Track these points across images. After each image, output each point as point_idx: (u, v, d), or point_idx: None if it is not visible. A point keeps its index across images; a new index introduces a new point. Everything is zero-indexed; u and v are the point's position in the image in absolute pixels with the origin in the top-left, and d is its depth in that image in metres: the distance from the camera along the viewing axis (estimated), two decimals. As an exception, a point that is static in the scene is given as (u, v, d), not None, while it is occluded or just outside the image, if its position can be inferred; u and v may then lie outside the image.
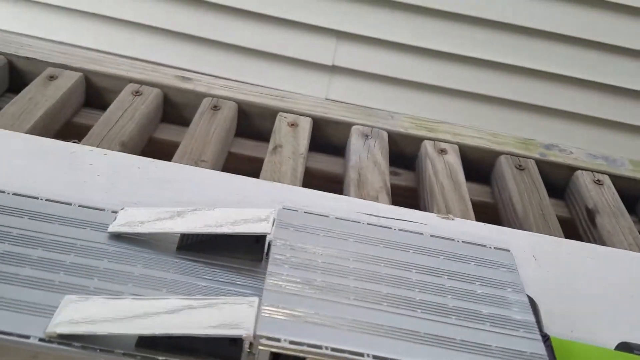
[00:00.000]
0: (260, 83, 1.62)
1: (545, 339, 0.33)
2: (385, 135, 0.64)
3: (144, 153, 0.58)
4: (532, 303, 0.37)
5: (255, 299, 0.28)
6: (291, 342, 0.26)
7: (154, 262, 0.32)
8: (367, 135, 0.63)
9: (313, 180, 0.62)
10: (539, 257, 0.46)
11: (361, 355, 0.27)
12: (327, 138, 0.65)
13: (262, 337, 0.26)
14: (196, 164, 0.52)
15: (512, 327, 0.30)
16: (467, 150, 0.65)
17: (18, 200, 0.33)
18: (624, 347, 0.37)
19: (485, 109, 1.57)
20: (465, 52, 1.47)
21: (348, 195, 0.53)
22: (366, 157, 0.59)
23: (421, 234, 0.36)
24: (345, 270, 0.31)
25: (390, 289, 0.31)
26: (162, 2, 1.47)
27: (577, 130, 1.44)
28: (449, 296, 0.31)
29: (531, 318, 0.30)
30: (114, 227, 0.33)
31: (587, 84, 1.41)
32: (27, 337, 0.27)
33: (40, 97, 0.56)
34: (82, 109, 0.62)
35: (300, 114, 0.64)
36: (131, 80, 0.62)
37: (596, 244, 0.56)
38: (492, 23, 1.48)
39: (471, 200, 0.62)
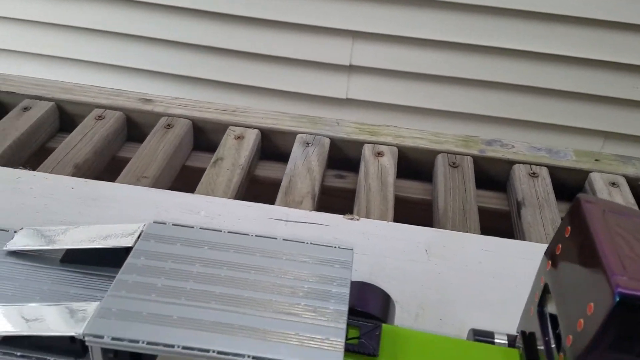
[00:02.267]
0: (284, 88, 1.68)
1: (376, 326, 0.37)
2: (327, 141, 0.68)
3: (104, 172, 0.66)
4: (386, 297, 0.40)
5: (97, 303, 0.34)
6: (113, 339, 0.32)
7: (37, 274, 0.38)
8: (308, 143, 0.67)
9: (258, 187, 0.67)
10: (431, 251, 0.49)
11: (172, 346, 0.32)
12: (276, 147, 0.70)
13: (88, 335, 0.32)
14: (138, 180, 0.59)
15: (323, 316, 0.34)
16: (407, 151, 0.68)
17: None
18: (473, 333, 0.40)
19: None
20: (481, 42, 1.46)
21: (276, 200, 0.58)
22: (301, 164, 0.64)
23: (275, 238, 0.40)
24: (188, 275, 0.36)
25: (224, 289, 0.36)
26: (194, 20, 1.56)
27: None
28: (276, 293, 0.35)
29: (344, 308, 0.34)
30: (8, 246, 0.40)
31: None
32: None
33: (11, 129, 0.64)
34: (57, 134, 0.70)
35: (249, 127, 0.69)
36: (97, 106, 0.70)
37: (519, 235, 0.58)
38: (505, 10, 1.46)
39: (412, 198, 0.66)
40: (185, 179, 0.67)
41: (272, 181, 0.67)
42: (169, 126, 0.68)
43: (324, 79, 1.59)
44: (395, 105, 1.57)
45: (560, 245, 0.34)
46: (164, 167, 0.62)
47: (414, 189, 0.66)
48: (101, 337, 0.32)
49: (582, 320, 0.28)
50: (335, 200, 0.67)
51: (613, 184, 0.62)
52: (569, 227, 0.33)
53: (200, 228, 0.40)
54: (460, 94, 1.53)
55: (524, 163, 0.65)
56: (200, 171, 0.65)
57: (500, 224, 0.64)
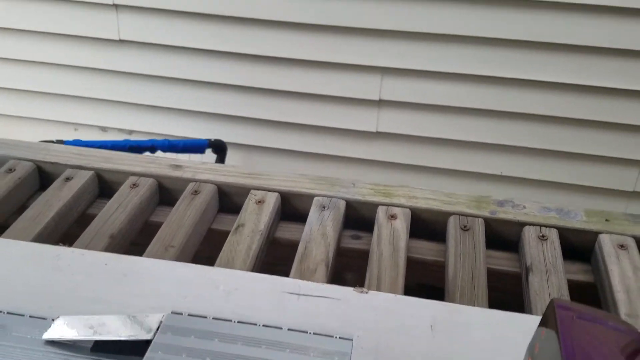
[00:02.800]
0: (317, 123, 1.73)
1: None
2: (343, 204, 0.72)
3: (137, 236, 0.71)
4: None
5: None
6: None
7: None
8: (324, 207, 0.71)
9: (278, 248, 0.72)
10: (437, 327, 0.52)
11: None
12: (295, 209, 0.74)
13: None
14: (166, 250, 0.64)
15: None
16: (421, 213, 0.71)
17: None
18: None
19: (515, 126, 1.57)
20: (503, 74, 1.48)
21: (291, 269, 0.62)
22: (317, 229, 0.68)
23: (280, 328, 0.44)
24: None
25: None
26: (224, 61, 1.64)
27: None
28: None
29: None
30: (45, 335, 0.45)
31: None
32: None
33: (54, 199, 0.70)
34: (96, 199, 0.76)
35: (269, 190, 0.73)
36: (132, 173, 0.75)
37: (527, 303, 0.60)
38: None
39: (425, 259, 0.69)
40: (210, 241, 0.72)
41: (290, 243, 0.70)
42: (195, 192, 0.73)
43: (354, 114, 1.63)
44: (423, 138, 1.59)
45: (537, 344, 0.36)
46: (190, 233, 0.67)
47: (427, 250, 0.69)
48: None
49: None
50: (352, 261, 0.70)
51: (621, 246, 0.64)
52: (544, 330, 0.36)
53: (213, 318, 0.45)
54: (485, 124, 1.54)
55: (534, 225, 0.67)
56: (224, 234, 0.70)
57: (511, 286, 0.66)
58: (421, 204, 0.71)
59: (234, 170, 0.77)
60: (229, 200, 0.75)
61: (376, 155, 1.69)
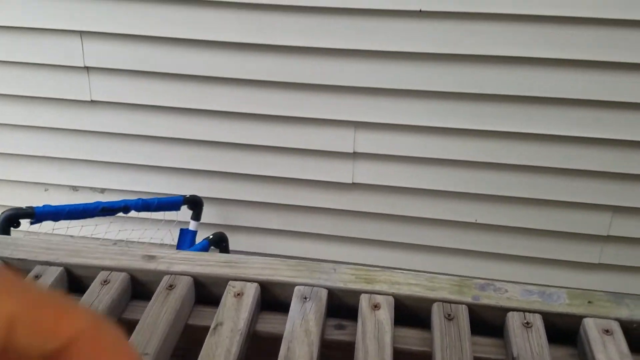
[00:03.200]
0: (294, 176, 1.72)
1: None
2: (325, 293, 0.70)
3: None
4: None
5: None
6: None
7: None
8: (305, 298, 0.69)
9: (261, 343, 0.69)
10: None
11: None
12: (276, 298, 0.72)
13: None
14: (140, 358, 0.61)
15: None
16: (404, 299, 0.69)
17: None
18: None
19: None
20: (469, 126, 1.50)
21: None
22: (299, 324, 0.66)
23: None
24: None
25: None
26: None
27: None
28: None
29: None
30: None
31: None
32: None
33: (22, 303, 0.67)
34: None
35: (248, 280, 0.71)
36: (103, 268, 0.73)
37: (515, 398, 0.59)
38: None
39: (412, 351, 0.67)
40: (187, 337, 0.70)
41: (272, 336, 0.68)
42: (171, 287, 0.70)
43: (330, 166, 1.62)
44: (397, 188, 1.59)
45: None
46: (166, 335, 0.65)
47: (413, 340, 0.67)
48: None
49: None
50: (337, 353, 0.69)
51: (606, 331, 0.63)
52: None
53: None
54: (456, 173, 1.55)
55: (517, 310, 0.66)
56: (202, 330, 0.67)
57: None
58: (404, 290, 0.70)
59: (211, 259, 0.75)
60: (206, 291, 0.73)
61: (353, 205, 1.69)
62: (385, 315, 0.67)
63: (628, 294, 0.69)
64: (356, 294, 0.70)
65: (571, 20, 1.31)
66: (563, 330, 0.66)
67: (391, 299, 0.69)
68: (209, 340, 0.64)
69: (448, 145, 1.51)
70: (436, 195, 1.58)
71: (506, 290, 0.69)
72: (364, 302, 0.69)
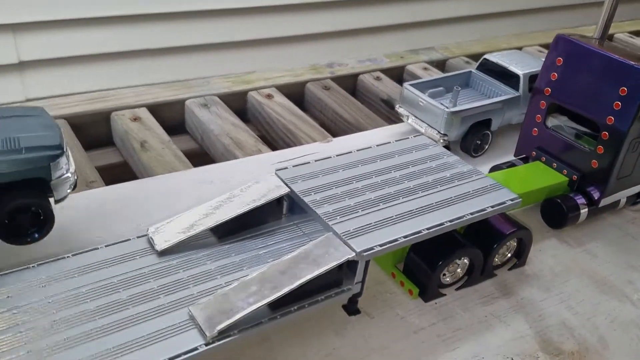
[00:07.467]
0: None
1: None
2: (217, 99, 0.70)
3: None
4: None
5: (329, 234, 0.37)
6: (380, 245, 0.36)
7: (215, 255, 0.37)
8: (206, 105, 0.68)
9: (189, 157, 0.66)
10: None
11: (419, 232, 0.38)
12: (172, 119, 0.68)
13: (362, 251, 0.35)
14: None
15: (454, 176, 0.44)
16: (282, 88, 0.75)
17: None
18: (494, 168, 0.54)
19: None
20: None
21: (234, 158, 0.60)
22: (221, 123, 0.65)
23: (370, 147, 0.46)
24: (353, 187, 0.41)
25: (386, 190, 0.42)
26: None
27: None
28: (423, 176, 0.44)
29: (470, 167, 0.45)
30: (160, 246, 0.36)
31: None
32: (195, 349, 0.31)
33: None
34: None
35: (133, 107, 0.66)
36: None
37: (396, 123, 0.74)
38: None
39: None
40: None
41: (191, 151, 0.66)
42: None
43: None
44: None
45: (555, 74, 0.50)
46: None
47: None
48: (371, 248, 0.36)
49: (618, 102, 0.46)
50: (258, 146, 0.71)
51: (425, 68, 0.84)
52: (560, 58, 0.50)
53: (315, 160, 0.44)
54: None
55: (362, 73, 0.81)
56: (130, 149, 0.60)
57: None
58: (279, 81, 0.76)
59: (85, 98, 0.65)
60: (85, 132, 0.64)
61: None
62: (282, 98, 0.72)
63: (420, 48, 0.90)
64: (244, 94, 0.73)
65: None
66: (396, 77, 0.84)
67: (275, 89, 0.74)
68: (144, 156, 0.58)
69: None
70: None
71: (347, 64, 0.83)
72: (257, 96, 0.72)
